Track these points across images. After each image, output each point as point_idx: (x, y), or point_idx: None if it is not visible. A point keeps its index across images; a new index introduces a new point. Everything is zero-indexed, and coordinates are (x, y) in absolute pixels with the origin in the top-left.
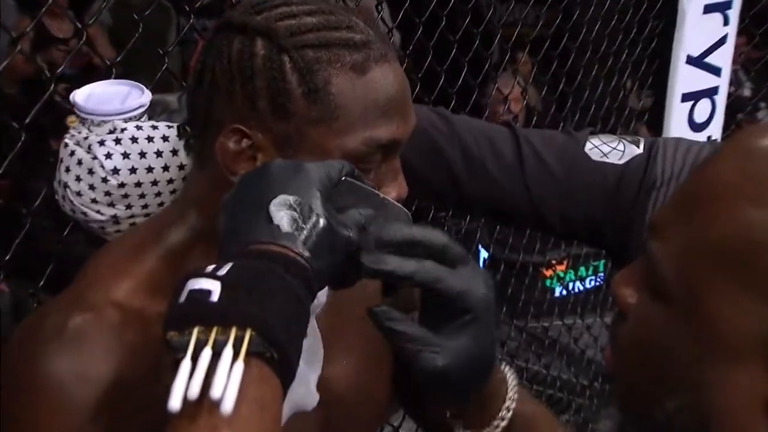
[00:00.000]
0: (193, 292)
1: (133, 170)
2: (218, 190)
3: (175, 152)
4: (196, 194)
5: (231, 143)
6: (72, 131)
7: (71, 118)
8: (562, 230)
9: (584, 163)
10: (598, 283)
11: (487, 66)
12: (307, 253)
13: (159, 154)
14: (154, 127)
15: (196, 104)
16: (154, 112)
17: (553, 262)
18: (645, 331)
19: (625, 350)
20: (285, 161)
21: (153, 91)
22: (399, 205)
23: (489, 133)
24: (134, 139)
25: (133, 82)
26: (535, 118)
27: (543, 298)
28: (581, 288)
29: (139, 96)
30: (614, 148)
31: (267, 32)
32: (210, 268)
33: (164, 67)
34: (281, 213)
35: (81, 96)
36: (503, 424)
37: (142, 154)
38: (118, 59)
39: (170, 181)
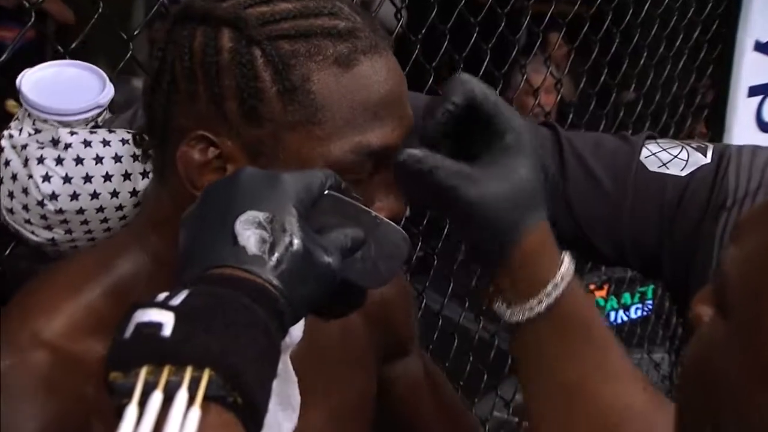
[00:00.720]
0: (141, 326)
1: (74, 196)
2: (182, 209)
3: (127, 176)
4: (155, 214)
5: (195, 153)
6: (12, 128)
7: (11, 102)
8: (613, 257)
9: (639, 174)
10: (645, 313)
11: (514, 53)
12: (277, 281)
13: (107, 177)
14: (105, 143)
15: (154, 108)
16: (116, 104)
17: (591, 287)
18: (701, 347)
19: (682, 372)
20: (256, 170)
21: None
22: (395, 225)
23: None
24: (79, 160)
25: (94, 67)
26: (571, 115)
27: None
28: (625, 318)
29: (98, 90)
30: (676, 156)
31: (234, 21)
32: (161, 296)
33: (128, 55)
34: (248, 232)
35: (27, 82)
36: (543, 305)
37: (87, 178)
38: (73, 46)
39: (119, 208)
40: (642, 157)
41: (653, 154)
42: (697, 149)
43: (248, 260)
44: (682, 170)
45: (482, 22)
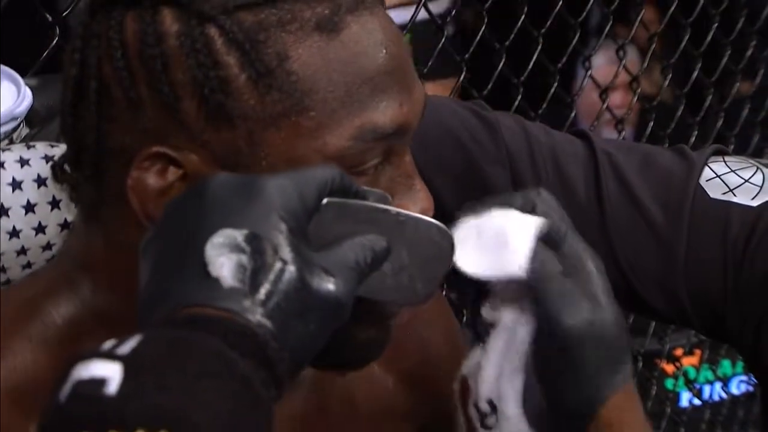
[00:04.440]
0: (81, 384)
1: None
2: (119, 252)
3: (55, 204)
4: (84, 257)
5: (150, 177)
6: None
7: None
8: (667, 312)
9: (697, 202)
10: (750, 388)
11: (575, 39)
12: (266, 320)
13: (30, 208)
14: (24, 163)
15: (80, 130)
16: (36, 114)
17: (678, 352)
18: None
19: None
20: (229, 176)
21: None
22: (425, 218)
23: (554, 147)
24: None
25: (3, 67)
26: (651, 123)
27: (661, 410)
28: (723, 395)
29: (12, 98)
30: (747, 180)
31: None
32: (108, 344)
33: (53, 43)
34: (222, 258)
35: None
36: None
37: (3, 211)
38: None
39: (47, 247)
40: (703, 180)
41: (718, 176)
42: None
43: (223, 295)
44: (753, 198)
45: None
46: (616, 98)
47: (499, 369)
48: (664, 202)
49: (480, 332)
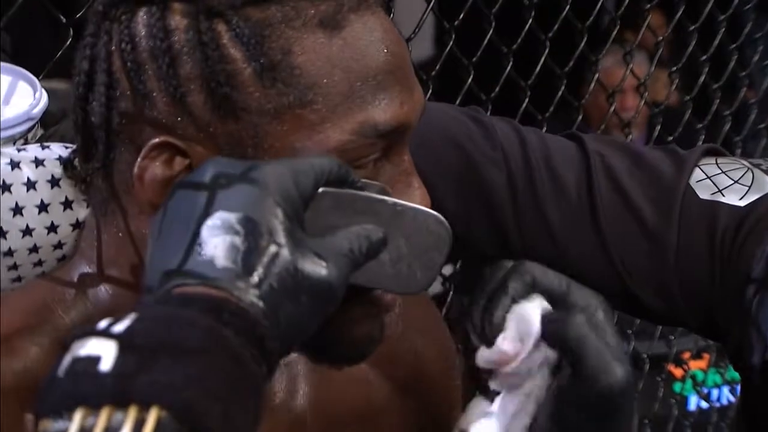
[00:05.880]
0: (78, 362)
1: (0, 233)
2: (135, 246)
3: (68, 204)
4: (99, 253)
5: (157, 167)
6: None
7: None
8: (661, 311)
9: (686, 202)
10: None
11: (582, 43)
12: (258, 300)
13: (43, 207)
14: (38, 163)
15: (89, 123)
16: (50, 116)
17: (686, 355)
18: None
19: None
20: (228, 161)
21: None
22: (422, 208)
23: (547, 149)
24: (5, 187)
25: (20, 69)
26: (658, 127)
27: (668, 413)
28: (732, 399)
29: (28, 97)
30: (736, 181)
31: None
32: (104, 323)
33: (66, 44)
34: (217, 239)
35: None
36: None
37: (17, 210)
38: None
39: (58, 246)
40: (692, 181)
41: (708, 177)
42: (767, 171)
43: (216, 274)
44: (741, 198)
45: (540, 3)
46: (626, 101)
47: (506, 429)
48: (655, 201)
49: (488, 393)
